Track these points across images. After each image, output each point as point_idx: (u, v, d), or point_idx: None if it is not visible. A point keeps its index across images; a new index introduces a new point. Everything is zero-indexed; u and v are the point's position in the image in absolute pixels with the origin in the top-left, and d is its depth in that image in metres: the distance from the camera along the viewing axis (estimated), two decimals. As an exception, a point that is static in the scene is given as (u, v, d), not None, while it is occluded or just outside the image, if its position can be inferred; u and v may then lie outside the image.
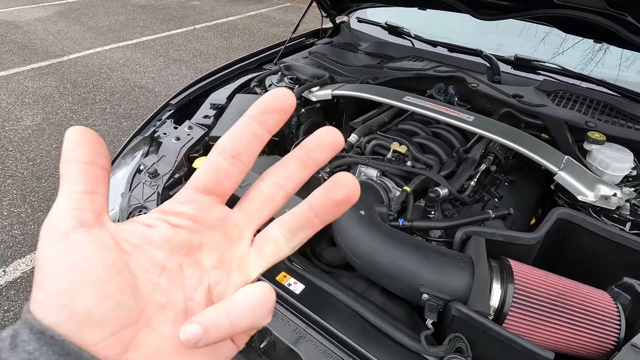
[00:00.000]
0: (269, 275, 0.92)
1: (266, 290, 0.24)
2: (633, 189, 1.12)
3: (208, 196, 0.26)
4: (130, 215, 1.11)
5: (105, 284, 0.21)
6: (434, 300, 0.81)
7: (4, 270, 2.03)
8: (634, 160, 1.23)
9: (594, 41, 1.39)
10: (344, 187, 0.26)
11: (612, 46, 1.38)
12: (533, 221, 1.26)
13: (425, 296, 0.81)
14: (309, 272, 0.93)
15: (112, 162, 1.38)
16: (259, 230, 0.28)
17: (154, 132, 1.43)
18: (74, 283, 0.21)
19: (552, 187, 1.18)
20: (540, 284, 0.81)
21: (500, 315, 0.79)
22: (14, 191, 2.55)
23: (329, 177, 1.10)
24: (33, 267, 1.96)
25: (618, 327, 0.78)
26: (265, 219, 0.28)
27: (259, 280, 0.26)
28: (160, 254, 0.24)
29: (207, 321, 0.23)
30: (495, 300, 0.79)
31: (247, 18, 6.17)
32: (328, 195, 0.26)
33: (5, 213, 2.38)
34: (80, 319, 0.21)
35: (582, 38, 1.52)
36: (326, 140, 0.26)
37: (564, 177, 1.07)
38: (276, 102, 0.26)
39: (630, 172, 1.19)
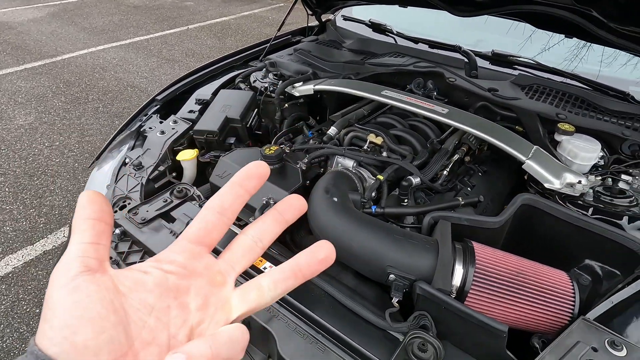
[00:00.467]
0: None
1: (242, 330, 0.29)
2: (600, 177, 1.17)
3: (198, 246, 0.32)
4: (114, 204, 1.15)
5: (102, 320, 0.25)
6: (400, 280, 0.85)
7: (-5, 266, 2.06)
8: (603, 150, 1.28)
9: (565, 36, 1.43)
10: (325, 250, 0.33)
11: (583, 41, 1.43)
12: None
13: (392, 276, 0.85)
14: (284, 257, 0.97)
15: (99, 156, 1.41)
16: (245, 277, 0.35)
17: (140, 126, 1.47)
18: (77, 318, 0.24)
19: (526, 177, 1.22)
20: (501, 264, 0.85)
21: (461, 293, 0.83)
22: (6, 189, 2.58)
23: (307, 166, 1.14)
24: (24, 262, 1.99)
25: (573, 303, 0.82)
26: (246, 267, 0.34)
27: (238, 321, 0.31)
28: (151, 296, 0.28)
29: (191, 351, 0.26)
30: (457, 280, 0.83)
31: (240, 18, 6.21)
32: (313, 254, 0.33)
33: (-3, 210, 2.40)
34: (79, 350, 0.24)
35: (560, 35, 1.56)
36: (293, 203, 0.35)
37: (532, 166, 1.11)
38: (255, 170, 0.34)
39: (598, 161, 1.24)
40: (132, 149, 1.37)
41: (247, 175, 0.33)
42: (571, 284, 0.85)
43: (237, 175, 0.33)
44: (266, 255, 0.98)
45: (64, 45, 4.93)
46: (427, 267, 0.85)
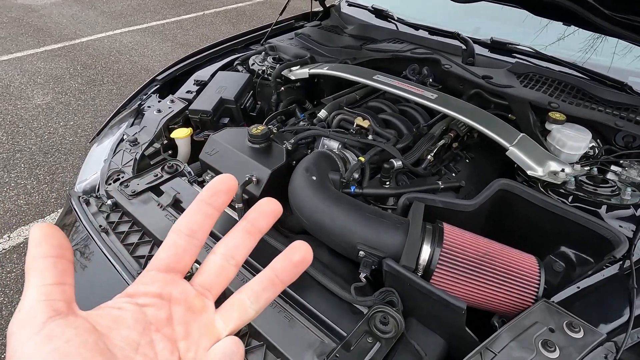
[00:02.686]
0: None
1: (236, 342, 0.29)
2: (588, 168, 1.16)
3: (169, 274, 0.30)
4: (109, 177, 1.20)
5: None
6: (369, 257, 0.87)
7: (8, 236, 2.17)
8: (596, 140, 1.27)
9: (563, 24, 1.40)
10: (300, 252, 0.31)
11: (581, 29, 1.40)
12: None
13: (361, 253, 0.88)
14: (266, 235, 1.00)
15: (99, 132, 1.47)
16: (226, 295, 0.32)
17: (140, 105, 1.52)
18: None
19: (515, 166, 1.22)
20: (468, 246, 0.86)
21: (427, 272, 0.85)
22: (22, 164, 2.70)
23: (292, 146, 1.17)
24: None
25: (537, 286, 0.84)
26: (223, 287, 0.32)
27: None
28: (134, 333, 0.26)
29: None
30: (424, 259, 0.85)
31: (256, 4, 6.22)
32: (288, 257, 0.32)
33: (12, 184, 2.52)
34: None
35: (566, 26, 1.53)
36: (266, 209, 0.32)
37: (515, 153, 1.11)
38: (221, 186, 0.31)
39: (588, 151, 1.22)
40: (130, 126, 1.43)
41: (214, 192, 0.31)
42: (537, 267, 0.86)
43: (203, 192, 0.31)
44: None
45: (83, 28, 5.04)
46: (396, 245, 0.87)
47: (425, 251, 0.86)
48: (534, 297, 0.83)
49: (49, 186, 2.52)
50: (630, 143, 1.25)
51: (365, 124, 1.22)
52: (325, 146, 1.22)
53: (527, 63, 1.49)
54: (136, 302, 0.28)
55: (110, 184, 1.19)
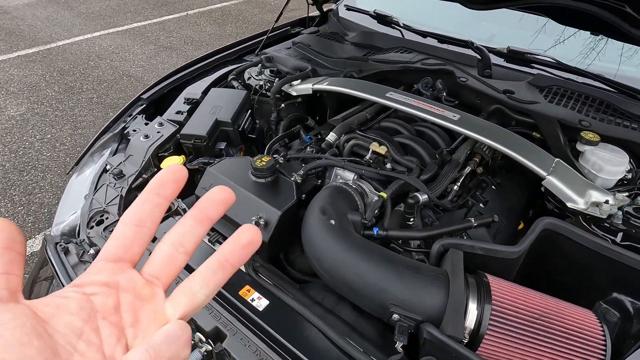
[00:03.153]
0: (231, 288, 0.86)
1: (180, 325, 0.28)
2: (626, 193, 1.05)
3: (117, 263, 0.30)
4: (90, 219, 1.05)
5: (25, 346, 0.23)
6: (405, 320, 0.75)
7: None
8: (630, 162, 1.16)
9: (591, 33, 1.29)
10: (247, 234, 0.31)
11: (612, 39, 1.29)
12: (521, 226, 1.20)
13: (395, 316, 0.75)
14: (275, 286, 0.87)
15: (79, 161, 1.31)
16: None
17: (124, 128, 1.36)
18: None
19: (543, 189, 1.11)
20: (521, 304, 0.74)
21: (476, 337, 0.73)
22: (-5, 184, 2.49)
23: (302, 178, 1.03)
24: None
25: (603, 351, 0.72)
26: (173, 275, 0.31)
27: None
28: (77, 320, 0.27)
29: None
30: (470, 321, 0.73)
31: (241, 4, 6.01)
32: (236, 241, 0.31)
33: (-16, 207, 2.32)
34: None
35: (579, 30, 1.42)
36: (217, 197, 0.32)
37: (553, 182, 1.00)
38: (169, 176, 0.31)
39: (625, 175, 1.12)
40: (114, 154, 1.27)
41: (161, 182, 0.31)
42: (601, 327, 0.75)
43: (150, 183, 0.31)
44: (254, 284, 0.88)
45: (59, 31, 4.78)
46: (436, 306, 0.75)
47: (472, 312, 0.73)
48: (599, 365, 0.72)
49: (25, 208, 2.32)
50: (667, 164, 1.15)
51: (382, 150, 1.09)
52: (339, 176, 1.08)
53: (549, 75, 1.37)
54: (83, 291, 0.28)
55: (92, 227, 1.03)
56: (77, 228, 1.07)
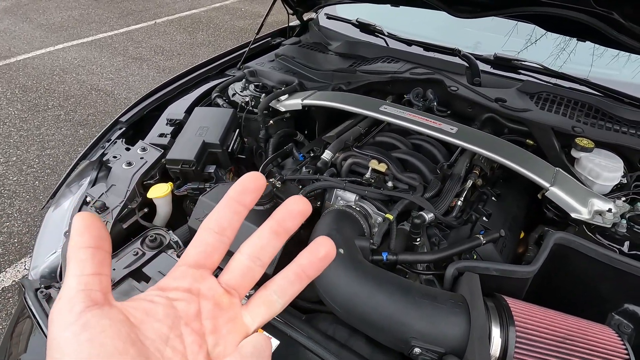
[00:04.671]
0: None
1: (265, 338, 0.30)
2: (623, 199, 1.06)
3: (198, 270, 0.30)
4: (74, 260, 0.96)
5: (122, 354, 0.24)
6: (427, 354, 0.71)
7: (-54, 309, 1.81)
8: (623, 167, 1.17)
9: (578, 39, 1.31)
10: (325, 247, 0.31)
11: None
12: (522, 235, 1.19)
13: (417, 350, 0.71)
14: (283, 323, 0.81)
15: (55, 193, 1.21)
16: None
17: (103, 154, 1.27)
18: (95, 356, 0.23)
19: (539, 196, 1.10)
20: (543, 326, 0.72)
21: (501, 366, 0.70)
22: (-44, 215, 2.30)
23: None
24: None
25: (628, 370, 0.71)
26: (249, 288, 0.32)
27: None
28: (164, 326, 0.27)
29: None
30: (495, 349, 0.70)
31: (211, 10, 5.89)
32: (314, 253, 0.31)
33: (-54, 241, 2.14)
34: None
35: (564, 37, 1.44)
36: (295, 209, 0.31)
37: (556, 193, 0.99)
38: (251, 184, 0.31)
39: (620, 180, 1.13)
40: (93, 184, 1.18)
41: (244, 189, 0.31)
42: (623, 344, 0.73)
43: (232, 189, 0.31)
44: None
45: (18, 44, 4.52)
46: (458, 336, 0.71)
47: (496, 340, 0.71)
48: (626, 385, 0.70)
49: (-8, 240, 2.16)
50: (658, 166, 1.17)
51: (382, 168, 1.05)
52: (339, 198, 1.04)
53: (537, 81, 1.38)
54: (167, 296, 0.29)
55: (76, 268, 0.94)
56: (59, 270, 0.98)
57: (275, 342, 0.79)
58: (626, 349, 0.73)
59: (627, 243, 0.91)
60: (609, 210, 0.96)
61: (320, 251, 0.31)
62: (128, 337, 0.24)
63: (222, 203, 0.31)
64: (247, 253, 0.31)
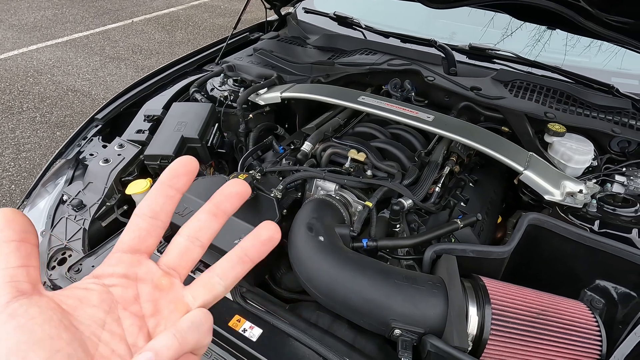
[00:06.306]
0: (220, 320, 0.80)
1: (204, 312, 0.29)
2: (594, 180, 1.09)
3: (134, 255, 0.31)
4: (50, 259, 0.94)
5: (54, 339, 0.24)
6: (407, 334, 0.72)
7: None
8: (594, 150, 1.21)
9: (547, 27, 1.34)
10: (268, 230, 0.32)
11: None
12: (499, 220, 1.22)
13: (397, 331, 0.73)
14: (266, 312, 0.82)
15: (30, 193, 1.18)
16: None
17: (79, 152, 1.24)
18: (23, 343, 0.23)
19: (516, 182, 1.13)
20: (518, 303, 0.74)
21: (479, 343, 0.72)
22: None
23: (282, 193, 0.99)
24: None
25: (599, 340, 0.74)
26: (189, 267, 0.32)
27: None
28: (99, 311, 0.27)
29: (156, 345, 0.26)
30: (472, 327, 0.72)
31: (190, 8, 5.81)
32: (257, 236, 0.32)
33: None
34: None
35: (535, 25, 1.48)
36: (233, 191, 0.32)
37: (530, 177, 1.02)
38: (182, 168, 0.31)
39: (591, 162, 1.16)
40: (70, 182, 1.16)
41: (174, 174, 0.31)
42: (594, 318, 0.76)
43: (163, 174, 0.32)
44: (244, 312, 0.82)
45: (-11, 46, 4.38)
46: (437, 316, 0.73)
47: (473, 318, 0.73)
48: (598, 354, 0.73)
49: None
50: (626, 148, 1.21)
51: (362, 157, 1.06)
52: (320, 188, 1.05)
53: (511, 70, 1.41)
54: (103, 283, 0.29)
55: (54, 267, 0.93)
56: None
57: (258, 331, 0.79)
58: (597, 324, 0.76)
59: (597, 222, 0.95)
60: (580, 191, 0.99)
61: (263, 234, 0.32)
62: (60, 323, 0.25)
63: (154, 188, 0.32)
64: (186, 234, 0.32)
